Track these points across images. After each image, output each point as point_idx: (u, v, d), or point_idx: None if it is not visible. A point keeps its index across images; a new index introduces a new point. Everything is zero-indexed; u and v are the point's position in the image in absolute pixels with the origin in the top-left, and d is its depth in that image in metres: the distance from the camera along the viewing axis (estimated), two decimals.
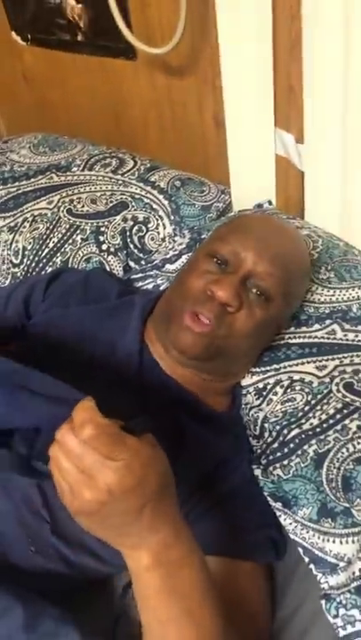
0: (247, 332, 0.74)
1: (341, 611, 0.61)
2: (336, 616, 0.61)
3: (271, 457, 0.74)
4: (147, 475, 0.49)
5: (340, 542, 0.65)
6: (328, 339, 0.79)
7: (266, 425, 0.76)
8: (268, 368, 0.80)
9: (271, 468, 0.73)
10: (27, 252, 1.02)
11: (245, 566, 0.70)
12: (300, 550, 0.69)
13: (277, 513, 0.72)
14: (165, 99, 1.18)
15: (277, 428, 0.74)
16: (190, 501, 0.70)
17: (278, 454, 0.73)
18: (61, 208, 1.04)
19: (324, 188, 0.98)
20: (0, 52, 1.40)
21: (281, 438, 0.74)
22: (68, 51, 1.26)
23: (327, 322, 0.81)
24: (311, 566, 0.67)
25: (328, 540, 0.66)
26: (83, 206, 1.04)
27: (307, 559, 0.68)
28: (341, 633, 0.61)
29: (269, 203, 1.08)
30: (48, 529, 0.66)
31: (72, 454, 0.48)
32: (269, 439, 0.74)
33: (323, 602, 0.63)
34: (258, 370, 0.81)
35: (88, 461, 0.47)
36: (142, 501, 0.50)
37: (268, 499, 0.73)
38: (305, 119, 0.94)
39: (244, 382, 0.81)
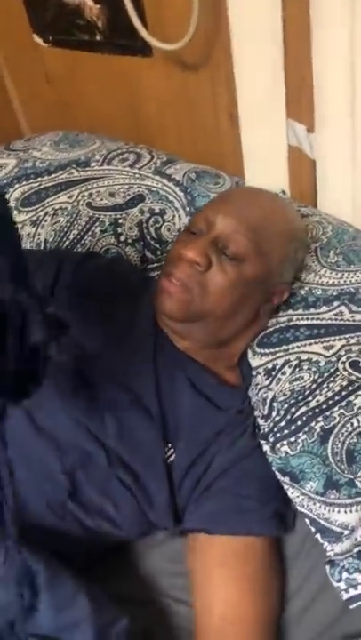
0: (221, 292, 0.78)
1: (344, 575, 0.64)
2: (340, 580, 0.64)
3: (279, 434, 0.76)
4: None
5: (345, 512, 0.68)
6: (336, 320, 0.81)
7: (274, 404, 0.79)
8: (277, 349, 0.83)
9: (279, 445, 0.75)
10: (48, 245, 1.07)
11: (254, 542, 0.73)
12: (307, 521, 0.71)
13: (285, 487, 0.75)
14: (181, 95, 1.21)
15: (285, 406, 0.77)
16: (192, 472, 0.73)
17: (286, 432, 0.76)
18: (81, 201, 1.08)
19: (335, 177, 1.00)
20: (23, 54, 1.45)
21: (289, 416, 0.76)
22: (88, 50, 1.30)
23: (335, 304, 0.83)
24: (318, 536, 0.70)
25: (333, 511, 0.68)
26: (101, 199, 1.08)
27: (313, 529, 0.70)
28: (345, 596, 0.63)
29: (283, 192, 1.10)
30: (66, 495, 0.70)
31: None
32: (277, 418, 0.77)
33: (327, 567, 0.66)
34: (267, 351, 0.83)
35: None
36: None
37: (277, 473, 0.75)
38: (316, 109, 0.96)
39: (254, 363, 0.84)
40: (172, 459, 0.75)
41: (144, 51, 1.19)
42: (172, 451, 0.75)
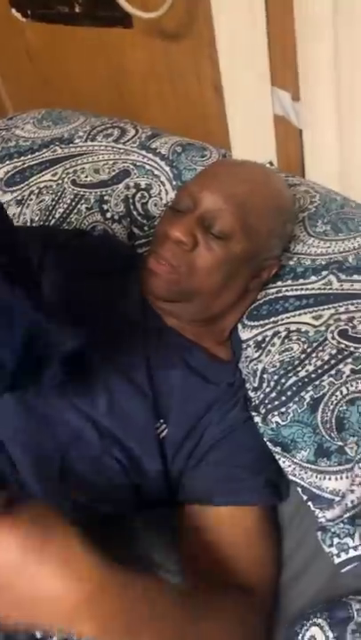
0: (209, 270, 0.77)
1: (336, 540, 0.64)
2: (331, 545, 0.64)
3: (270, 405, 0.76)
4: None
5: (336, 479, 0.68)
6: (324, 289, 0.81)
7: (265, 376, 0.79)
8: (266, 321, 0.82)
9: (270, 416, 0.75)
10: (34, 224, 1.06)
11: (249, 511, 0.73)
12: (299, 489, 0.72)
13: (277, 456, 0.75)
14: (163, 66, 1.19)
15: (275, 377, 0.77)
16: (185, 446, 0.74)
17: (276, 402, 0.76)
18: (65, 179, 1.07)
19: (321, 145, 0.98)
20: (2, 30, 1.42)
21: (279, 387, 0.76)
22: (67, 23, 1.28)
23: (323, 273, 0.82)
24: (309, 503, 0.70)
25: (324, 478, 0.69)
26: (86, 176, 1.07)
27: (305, 497, 0.71)
28: (336, 560, 0.64)
29: (271, 164, 1.09)
30: (59, 472, 0.70)
31: None
32: (267, 389, 0.77)
33: (319, 534, 0.66)
34: (257, 323, 0.83)
35: None
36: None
37: (268, 444, 0.76)
38: (299, 76, 0.94)
39: (244, 336, 0.84)
40: (164, 434, 0.75)
41: (124, 22, 1.16)
42: (164, 426, 0.75)
